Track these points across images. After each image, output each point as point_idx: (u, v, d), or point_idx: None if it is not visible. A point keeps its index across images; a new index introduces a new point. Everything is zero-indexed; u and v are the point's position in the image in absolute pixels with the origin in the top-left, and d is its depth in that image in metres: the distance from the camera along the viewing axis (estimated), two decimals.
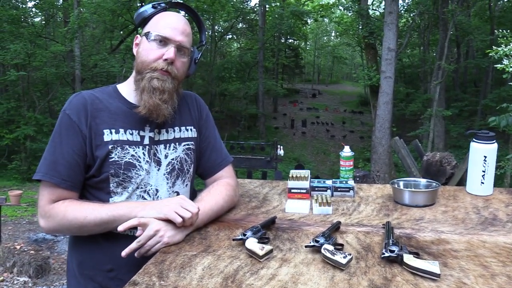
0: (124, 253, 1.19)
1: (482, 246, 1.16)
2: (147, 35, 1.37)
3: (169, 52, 1.35)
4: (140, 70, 1.37)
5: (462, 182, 3.61)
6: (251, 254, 1.11)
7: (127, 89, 1.44)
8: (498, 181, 9.25)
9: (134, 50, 1.42)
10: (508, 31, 5.48)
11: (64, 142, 1.34)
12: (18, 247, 5.99)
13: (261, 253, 1.08)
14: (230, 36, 31.00)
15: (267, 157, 12.18)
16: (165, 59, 1.35)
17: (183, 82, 1.52)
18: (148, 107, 1.34)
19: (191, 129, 1.53)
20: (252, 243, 1.13)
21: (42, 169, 1.33)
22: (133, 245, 1.21)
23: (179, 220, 1.23)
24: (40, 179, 1.32)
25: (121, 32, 18.71)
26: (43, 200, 1.32)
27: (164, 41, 1.36)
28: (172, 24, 1.37)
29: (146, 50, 1.37)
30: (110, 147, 1.34)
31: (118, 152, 1.35)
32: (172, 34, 1.36)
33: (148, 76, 1.34)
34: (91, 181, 1.37)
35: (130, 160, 1.36)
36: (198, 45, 1.56)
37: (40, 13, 18.55)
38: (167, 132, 1.46)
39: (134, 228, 1.37)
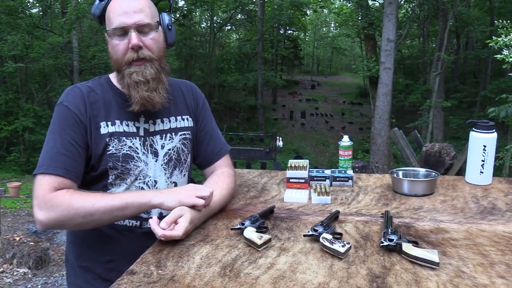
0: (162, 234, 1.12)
1: (481, 235, 1.16)
2: (107, 32, 1.32)
3: (131, 38, 1.28)
4: (118, 69, 1.34)
5: (460, 173, 3.61)
6: (249, 243, 1.10)
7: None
8: (497, 172, 9.26)
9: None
10: (508, 21, 5.45)
11: (65, 133, 1.29)
12: (17, 238, 5.99)
13: (259, 242, 1.08)
14: (229, 27, 30.89)
15: (266, 149, 12.21)
16: (132, 48, 1.28)
17: (181, 72, 1.48)
18: (139, 102, 1.31)
19: (187, 118, 1.50)
20: (250, 232, 1.12)
21: (45, 162, 1.26)
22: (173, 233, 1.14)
23: (201, 202, 1.22)
24: (44, 172, 1.24)
25: None
26: (42, 189, 1.23)
27: (122, 31, 1.29)
28: (121, 9, 1.29)
29: (112, 48, 1.32)
30: (107, 139, 1.32)
31: (115, 144, 1.33)
32: (125, 20, 1.27)
33: (126, 72, 1.30)
34: (90, 175, 1.34)
35: (128, 152, 1.34)
36: (167, 10, 1.46)
37: (37, 4, 18.41)
38: (162, 122, 1.43)
39: (133, 219, 1.36)
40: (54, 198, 1.21)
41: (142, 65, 1.31)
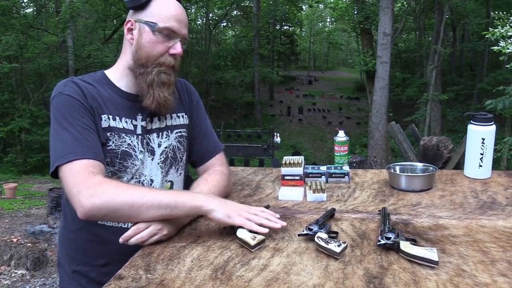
0: (121, 239, 1.12)
1: (481, 231, 1.13)
2: (151, 25, 1.28)
3: (177, 47, 1.30)
4: (144, 64, 1.30)
5: (459, 166, 3.58)
6: (242, 244, 1.07)
7: (116, 76, 1.37)
8: (495, 164, 9.25)
9: (128, 37, 1.32)
10: (505, 13, 5.41)
11: (75, 120, 1.21)
12: (15, 240, 5.94)
13: (252, 243, 1.04)
14: (225, 24, 30.81)
15: (264, 145, 12.18)
16: (173, 54, 1.30)
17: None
18: (158, 101, 1.30)
19: (182, 116, 1.48)
20: (243, 233, 1.08)
21: (66, 151, 1.16)
22: (130, 232, 1.12)
23: (255, 229, 1.10)
24: (72, 159, 1.15)
25: (114, 22, 18.54)
26: (80, 175, 1.13)
27: (170, 33, 1.29)
28: (177, 16, 1.30)
29: (151, 42, 1.28)
30: (108, 134, 1.28)
31: (115, 140, 1.29)
32: (179, 27, 1.29)
33: (155, 70, 1.29)
34: None
35: (127, 149, 1.30)
36: None
37: (31, 4, 18.32)
38: (159, 120, 1.40)
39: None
40: (99, 184, 1.13)
41: (171, 71, 1.33)
